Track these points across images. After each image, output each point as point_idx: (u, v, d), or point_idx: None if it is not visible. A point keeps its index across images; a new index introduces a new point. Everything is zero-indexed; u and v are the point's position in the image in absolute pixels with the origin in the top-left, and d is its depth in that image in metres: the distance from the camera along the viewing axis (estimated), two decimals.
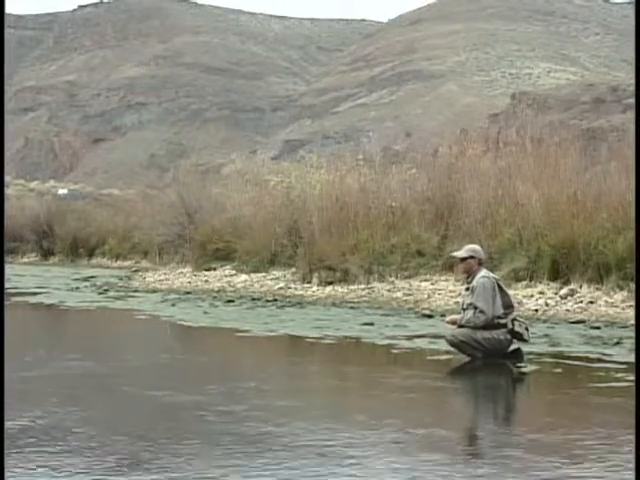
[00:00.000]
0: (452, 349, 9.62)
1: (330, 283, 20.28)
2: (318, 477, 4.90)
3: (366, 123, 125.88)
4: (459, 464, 5.25)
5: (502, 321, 9.33)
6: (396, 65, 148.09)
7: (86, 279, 28.31)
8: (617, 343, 10.81)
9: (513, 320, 9.38)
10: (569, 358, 9.77)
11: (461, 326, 9.46)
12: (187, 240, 30.54)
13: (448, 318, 9.94)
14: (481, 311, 9.23)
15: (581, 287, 15.77)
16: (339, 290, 19.59)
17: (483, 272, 9.50)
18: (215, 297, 20.01)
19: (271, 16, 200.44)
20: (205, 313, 16.00)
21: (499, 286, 9.45)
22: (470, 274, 9.55)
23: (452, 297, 16.97)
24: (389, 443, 5.73)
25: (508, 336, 9.34)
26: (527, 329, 9.48)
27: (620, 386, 7.95)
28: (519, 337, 9.38)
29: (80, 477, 4.82)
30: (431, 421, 6.64)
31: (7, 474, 4.77)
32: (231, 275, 24.87)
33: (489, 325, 9.29)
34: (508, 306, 9.46)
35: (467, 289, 9.58)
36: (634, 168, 15.46)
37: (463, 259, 9.62)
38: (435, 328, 12.58)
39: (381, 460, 5.25)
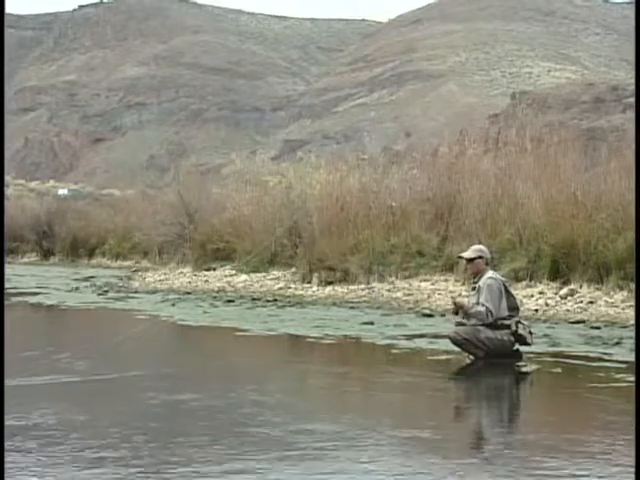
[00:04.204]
0: (453, 348, 9.61)
1: (330, 283, 20.28)
2: (318, 477, 4.90)
3: (366, 123, 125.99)
4: (460, 464, 5.25)
5: (506, 322, 9.30)
6: (396, 65, 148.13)
7: (86, 279, 28.30)
8: (617, 343, 10.81)
9: (517, 323, 9.36)
10: (569, 358, 9.77)
11: (465, 315, 9.41)
12: (187, 240, 30.54)
13: (457, 299, 9.85)
14: (490, 311, 9.22)
15: (581, 287, 15.76)
16: (339, 290, 19.59)
17: (490, 273, 9.49)
18: (215, 297, 20.00)
19: (271, 16, 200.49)
20: (205, 313, 16.00)
21: (506, 288, 9.43)
22: (478, 274, 9.53)
23: (451, 295, 16.96)
24: (390, 443, 5.73)
25: (512, 338, 9.32)
26: (531, 332, 9.46)
27: (620, 386, 7.95)
28: (522, 340, 9.36)
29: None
30: (432, 421, 6.63)
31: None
32: (231, 275, 24.86)
33: (493, 325, 9.27)
34: (513, 308, 9.44)
35: (473, 289, 9.58)
36: (634, 168, 15.47)
37: (471, 260, 9.59)
38: (435, 328, 12.59)
39: (382, 460, 5.25)
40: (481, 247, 9.95)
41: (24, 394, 7.27)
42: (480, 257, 9.55)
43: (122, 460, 5.12)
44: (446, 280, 18.45)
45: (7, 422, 5.90)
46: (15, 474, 4.83)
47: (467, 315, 9.39)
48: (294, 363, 10.18)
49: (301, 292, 20.06)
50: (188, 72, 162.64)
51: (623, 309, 14.14)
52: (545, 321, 13.80)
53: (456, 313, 9.60)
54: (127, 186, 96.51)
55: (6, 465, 4.89)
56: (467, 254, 9.70)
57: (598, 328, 12.66)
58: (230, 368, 9.68)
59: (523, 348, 9.45)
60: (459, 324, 9.57)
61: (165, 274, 27.76)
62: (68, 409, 6.68)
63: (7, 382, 7.41)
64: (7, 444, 5.35)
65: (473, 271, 9.66)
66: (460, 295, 16.12)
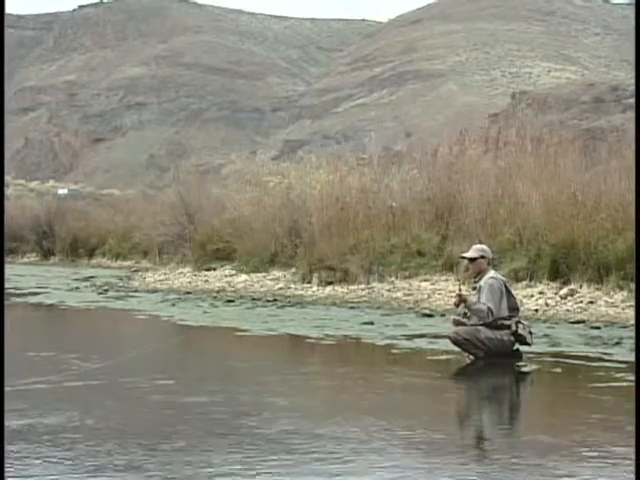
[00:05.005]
0: (453, 348, 9.61)
1: (330, 283, 20.28)
2: (318, 477, 4.90)
3: (366, 123, 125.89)
4: (460, 464, 5.25)
5: (506, 322, 9.31)
6: (396, 65, 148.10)
7: (86, 279, 28.30)
8: (617, 343, 10.81)
9: (517, 323, 9.37)
10: (569, 358, 9.77)
11: (466, 309, 9.41)
12: (187, 240, 30.54)
13: (463, 291, 9.83)
14: (490, 310, 9.23)
15: (581, 287, 15.77)
16: (339, 290, 19.59)
17: (492, 273, 9.50)
18: (215, 297, 20.01)
19: (271, 16, 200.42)
20: (205, 313, 16.00)
21: (507, 288, 9.43)
22: (479, 274, 9.53)
23: (452, 297, 16.95)
24: (389, 443, 5.73)
25: (511, 338, 9.33)
26: (531, 332, 9.47)
27: (620, 386, 7.95)
28: (522, 340, 9.37)
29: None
30: (433, 422, 6.64)
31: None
32: (231, 275, 24.86)
33: (493, 325, 9.28)
34: (513, 308, 9.44)
35: (474, 288, 9.58)
36: (634, 168, 15.47)
37: (474, 259, 9.59)
38: (435, 328, 12.59)
39: (382, 461, 5.25)
40: (483, 247, 9.95)
41: (31, 397, 7.23)
42: (482, 257, 9.55)
43: (134, 466, 5.07)
44: (446, 280, 18.45)
45: (17, 425, 5.92)
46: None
47: (468, 310, 9.39)
48: (296, 364, 10.18)
49: (301, 292, 20.06)
50: (188, 72, 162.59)
51: (623, 309, 14.15)
52: (545, 321, 13.81)
53: (457, 306, 9.60)
54: (127, 186, 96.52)
55: (13, 470, 4.88)
56: (469, 254, 9.69)
57: (598, 328, 12.66)
58: (232, 369, 9.66)
59: (523, 348, 9.45)
60: (458, 323, 9.57)
61: (165, 274, 27.76)
62: (76, 412, 6.59)
63: (18, 384, 7.45)
64: (17, 448, 5.35)
65: (475, 271, 9.65)
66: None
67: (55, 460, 5.14)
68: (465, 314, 9.55)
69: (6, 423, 5.74)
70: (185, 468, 5.02)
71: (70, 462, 5.11)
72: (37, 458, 5.19)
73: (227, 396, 7.39)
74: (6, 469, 4.80)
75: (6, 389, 6.90)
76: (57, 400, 7.12)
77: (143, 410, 6.93)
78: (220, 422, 6.34)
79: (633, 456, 5.08)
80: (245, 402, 7.18)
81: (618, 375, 8.47)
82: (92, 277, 29.48)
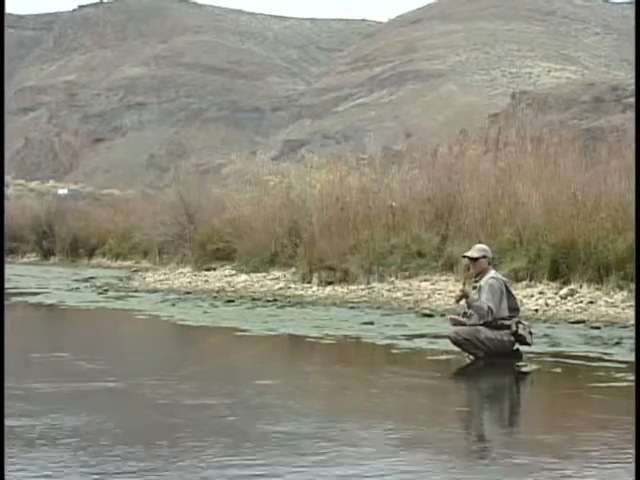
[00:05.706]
0: (453, 348, 9.62)
1: (330, 283, 20.28)
2: (318, 476, 4.90)
3: (366, 123, 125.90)
4: (460, 464, 5.25)
5: (506, 322, 9.32)
6: (396, 65, 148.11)
7: (86, 279, 28.28)
8: (617, 343, 10.81)
9: (517, 323, 9.38)
10: (569, 358, 9.77)
11: (465, 313, 9.42)
12: (187, 240, 30.54)
13: (466, 287, 9.81)
14: (491, 309, 9.24)
15: (581, 287, 15.77)
16: (339, 290, 19.59)
17: (492, 273, 9.52)
18: (215, 297, 20.00)
19: (271, 16, 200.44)
20: (205, 313, 16.00)
21: (507, 288, 9.44)
22: (480, 273, 9.54)
23: (452, 297, 16.95)
24: (390, 444, 5.74)
25: (511, 338, 9.34)
26: (531, 333, 9.48)
27: (620, 386, 7.95)
28: (522, 340, 9.38)
29: None
30: (433, 421, 6.64)
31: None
32: (231, 275, 24.86)
33: (493, 325, 9.28)
34: (514, 309, 9.45)
35: (474, 287, 9.59)
36: (634, 168, 15.48)
37: (475, 259, 9.61)
38: (435, 328, 12.59)
39: (381, 461, 5.26)
40: (484, 247, 9.97)
41: (37, 399, 7.20)
42: (484, 257, 9.58)
43: (144, 470, 5.04)
44: (446, 280, 18.45)
45: (21, 427, 5.92)
46: None
47: (469, 306, 9.40)
48: (297, 365, 10.17)
49: (301, 292, 20.06)
50: (188, 72, 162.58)
51: (623, 309, 14.15)
52: (545, 321, 13.81)
53: (458, 301, 9.61)
54: (127, 186, 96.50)
55: (20, 473, 4.88)
56: (472, 253, 9.70)
57: (598, 328, 12.66)
58: (236, 370, 9.64)
59: (523, 348, 9.45)
60: (455, 322, 9.59)
61: (165, 274, 27.76)
62: (83, 415, 6.53)
63: (22, 386, 7.46)
64: (20, 450, 5.34)
65: (476, 270, 9.66)
66: None
67: (63, 464, 5.13)
68: (465, 313, 9.56)
69: (10, 424, 5.75)
70: (196, 472, 4.99)
71: (75, 466, 5.10)
72: (49, 462, 5.15)
73: (234, 398, 7.34)
74: (9, 471, 4.80)
75: (10, 391, 6.90)
76: (65, 403, 7.09)
77: (152, 412, 6.86)
78: (231, 425, 6.30)
79: (633, 456, 5.08)
80: (253, 404, 7.14)
81: (618, 375, 8.48)
82: (92, 277, 29.47)
